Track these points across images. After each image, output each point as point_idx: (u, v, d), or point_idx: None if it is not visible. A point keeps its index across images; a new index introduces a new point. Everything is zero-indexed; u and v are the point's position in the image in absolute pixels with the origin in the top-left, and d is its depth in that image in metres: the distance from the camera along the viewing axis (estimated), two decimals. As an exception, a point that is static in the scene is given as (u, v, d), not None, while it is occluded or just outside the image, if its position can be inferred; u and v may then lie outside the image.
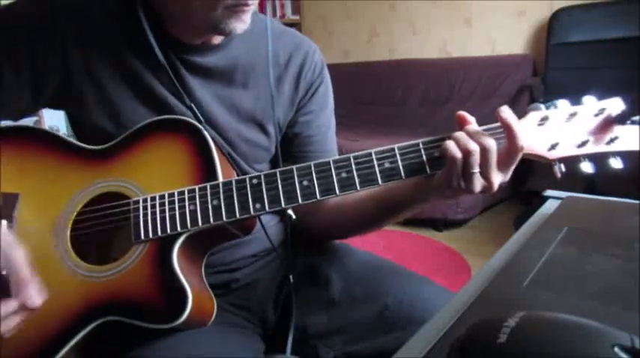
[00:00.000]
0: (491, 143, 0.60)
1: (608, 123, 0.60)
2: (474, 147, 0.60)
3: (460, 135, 0.61)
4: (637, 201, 0.76)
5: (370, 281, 0.82)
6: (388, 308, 0.77)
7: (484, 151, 0.60)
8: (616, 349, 0.34)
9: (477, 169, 0.61)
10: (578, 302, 0.50)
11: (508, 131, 0.59)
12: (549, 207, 0.80)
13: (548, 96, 2.64)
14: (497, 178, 0.62)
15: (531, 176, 2.88)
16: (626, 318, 0.46)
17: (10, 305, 0.56)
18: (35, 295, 0.57)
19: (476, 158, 0.60)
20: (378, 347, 0.75)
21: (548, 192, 0.86)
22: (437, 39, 3.43)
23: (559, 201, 0.80)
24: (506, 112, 0.59)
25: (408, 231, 2.65)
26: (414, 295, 0.78)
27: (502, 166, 0.62)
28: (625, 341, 0.34)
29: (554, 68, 2.77)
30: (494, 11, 3.14)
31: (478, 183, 0.62)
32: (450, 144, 0.61)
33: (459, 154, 0.60)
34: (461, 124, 0.64)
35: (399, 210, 0.76)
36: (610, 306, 0.49)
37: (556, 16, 2.77)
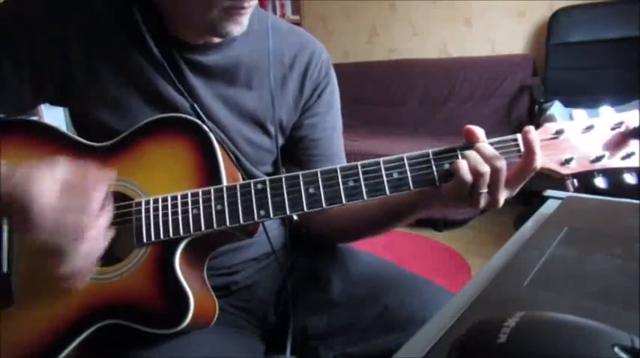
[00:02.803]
0: (502, 165, 0.59)
1: (624, 138, 0.58)
2: (485, 169, 0.59)
3: (472, 156, 0.60)
4: (637, 201, 0.76)
5: (370, 282, 0.82)
6: (388, 309, 0.77)
7: (494, 173, 0.59)
8: (616, 349, 0.34)
9: (485, 190, 0.60)
10: (578, 302, 0.50)
11: (528, 152, 0.59)
12: (549, 207, 0.80)
13: (548, 97, 2.64)
14: (504, 195, 0.62)
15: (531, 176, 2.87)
16: (626, 318, 0.46)
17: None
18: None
19: (485, 179, 0.59)
20: (378, 347, 0.74)
21: (548, 192, 0.86)
22: (437, 39, 3.43)
23: (559, 201, 0.80)
24: (532, 133, 0.59)
25: (408, 231, 2.65)
26: (413, 296, 0.78)
27: (512, 184, 0.61)
28: (625, 341, 0.34)
29: (554, 68, 2.78)
30: (494, 11, 3.14)
31: (484, 201, 0.61)
32: (462, 165, 0.60)
33: (469, 177, 0.59)
34: (469, 138, 0.62)
35: (403, 216, 0.76)
36: (610, 306, 0.49)
37: (556, 16, 2.77)
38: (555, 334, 0.36)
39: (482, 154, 0.60)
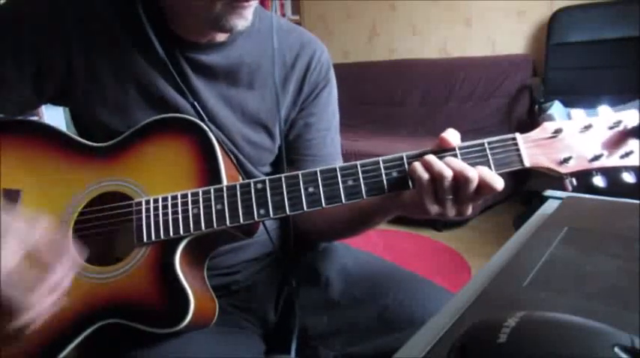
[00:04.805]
0: (460, 170, 0.58)
1: (623, 137, 0.58)
2: (447, 173, 0.58)
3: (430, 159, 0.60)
4: (637, 201, 0.76)
5: (370, 282, 0.82)
6: (388, 309, 0.77)
7: (457, 178, 0.59)
8: (616, 349, 0.34)
9: (449, 196, 0.60)
10: (578, 302, 0.50)
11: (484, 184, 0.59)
12: (549, 207, 0.80)
13: (548, 97, 2.64)
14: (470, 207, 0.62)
15: (531, 176, 2.88)
16: (626, 318, 0.46)
17: (46, 284, 0.54)
18: (66, 272, 0.56)
19: (447, 184, 0.59)
20: (378, 347, 0.74)
21: (548, 192, 0.86)
22: (437, 39, 3.43)
23: (559, 201, 0.80)
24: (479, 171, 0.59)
25: (408, 231, 2.65)
26: (413, 296, 0.78)
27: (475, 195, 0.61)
28: (625, 341, 0.34)
29: (554, 68, 2.78)
30: (494, 11, 3.14)
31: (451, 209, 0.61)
32: (417, 167, 0.60)
33: (425, 176, 0.59)
34: (442, 147, 0.62)
35: (369, 219, 0.76)
36: (610, 306, 0.49)
37: (556, 16, 2.77)
38: (555, 334, 0.36)
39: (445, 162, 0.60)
